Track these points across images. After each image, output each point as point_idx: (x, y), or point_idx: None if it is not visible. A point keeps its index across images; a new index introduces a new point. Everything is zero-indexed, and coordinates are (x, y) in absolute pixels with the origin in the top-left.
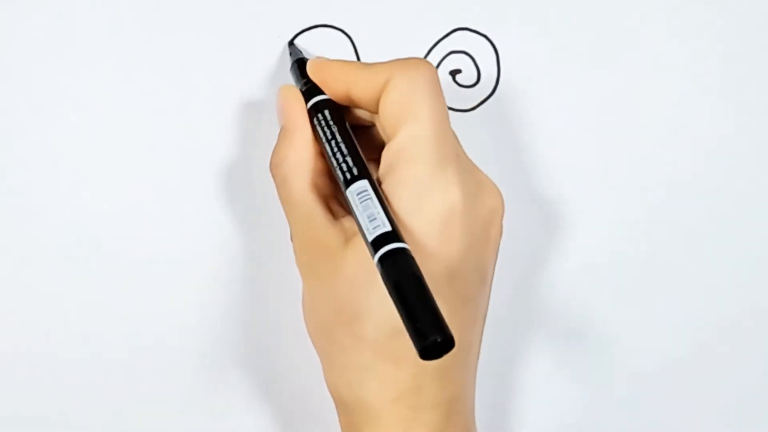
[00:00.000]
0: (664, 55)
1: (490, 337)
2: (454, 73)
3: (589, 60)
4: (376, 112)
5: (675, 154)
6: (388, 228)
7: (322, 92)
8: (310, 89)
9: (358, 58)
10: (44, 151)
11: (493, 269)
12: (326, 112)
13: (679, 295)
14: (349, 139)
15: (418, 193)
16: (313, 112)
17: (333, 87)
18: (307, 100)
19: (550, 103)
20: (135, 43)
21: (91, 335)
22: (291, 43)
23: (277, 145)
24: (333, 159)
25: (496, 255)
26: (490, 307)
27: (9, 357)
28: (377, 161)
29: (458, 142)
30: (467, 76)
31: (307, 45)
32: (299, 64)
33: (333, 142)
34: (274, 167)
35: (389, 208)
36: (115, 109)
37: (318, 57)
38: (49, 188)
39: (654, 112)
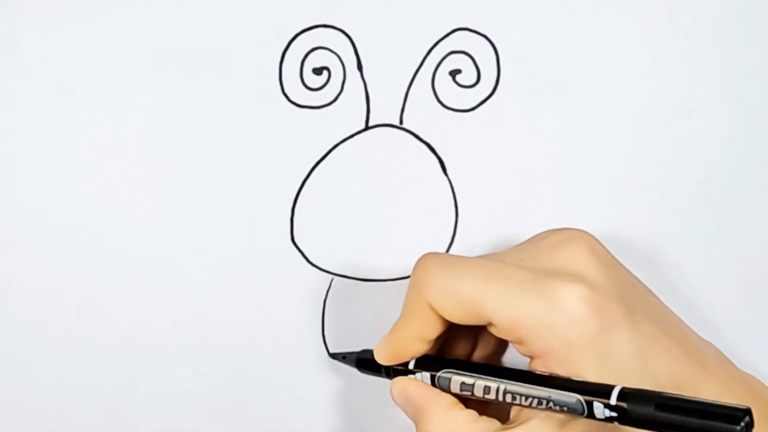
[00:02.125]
0: (664, 54)
1: None
2: (454, 73)
3: (589, 60)
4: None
5: (675, 154)
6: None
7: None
8: (398, 369)
9: (359, 58)
10: (44, 151)
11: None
12: (442, 372)
13: (680, 295)
14: (479, 367)
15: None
16: (431, 378)
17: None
18: (407, 372)
19: (550, 103)
20: (134, 42)
21: (90, 335)
22: (333, 356)
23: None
24: (487, 395)
25: None
26: None
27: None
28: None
29: (633, 279)
30: (467, 76)
31: (307, 45)
32: (363, 362)
33: (473, 385)
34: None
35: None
36: (114, 109)
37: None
38: (49, 188)
39: (654, 112)
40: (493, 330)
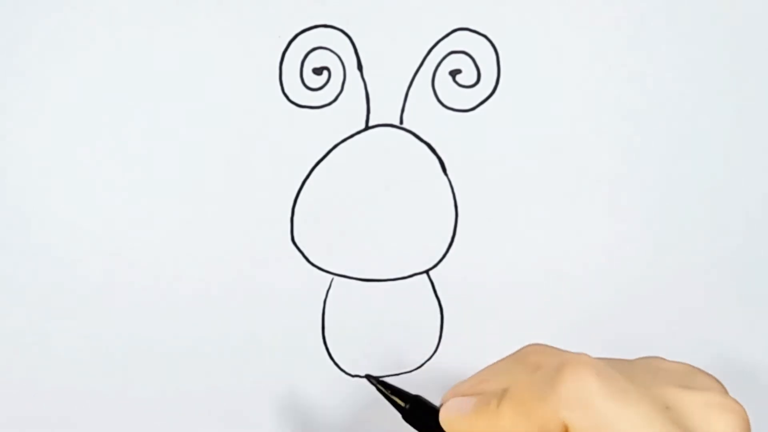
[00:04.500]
0: (664, 54)
1: (495, 340)
2: (454, 73)
3: (589, 60)
4: None
5: (675, 154)
6: None
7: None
8: None
9: (359, 58)
10: (43, 152)
11: None
12: None
13: (680, 295)
14: None
15: None
16: None
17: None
18: None
19: (550, 103)
20: (134, 42)
21: (91, 336)
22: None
23: None
24: None
25: None
26: (493, 308)
27: (9, 357)
28: None
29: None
30: (467, 76)
31: (307, 45)
32: (422, 413)
33: None
34: None
35: None
36: (114, 109)
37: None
38: (49, 188)
39: (654, 112)
40: None
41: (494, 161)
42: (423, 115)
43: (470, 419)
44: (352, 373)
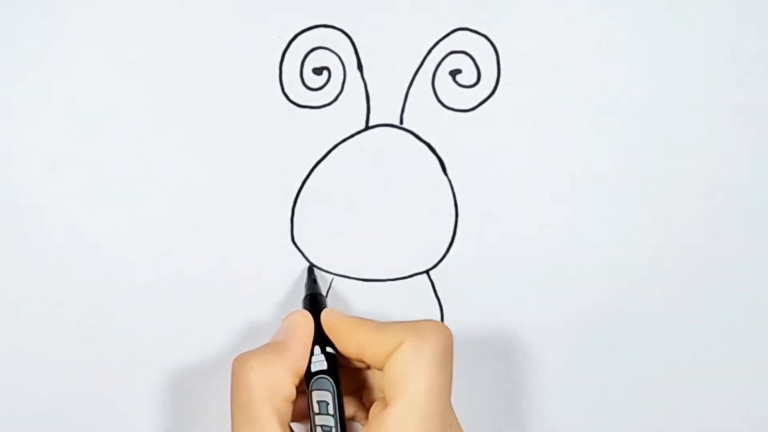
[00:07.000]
0: (664, 54)
1: (496, 340)
2: (454, 73)
3: (589, 60)
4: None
5: (675, 154)
6: None
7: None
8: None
9: (358, 58)
10: (43, 152)
11: None
12: (328, 378)
13: (680, 295)
14: (341, 413)
15: None
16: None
17: (344, 344)
18: (315, 343)
19: (550, 103)
20: (134, 42)
21: (90, 335)
22: (311, 270)
23: (261, 352)
24: (320, 429)
25: None
26: (493, 308)
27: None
28: (351, 397)
29: (452, 411)
30: (467, 76)
31: (307, 45)
32: (312, 299)
33: (325, 412)
34: (247, 368)
35: None
36: (114, 109)
37: (331, 310)
38: (49, 189)
39: (654, 112)
40: None
41: (494, 161)
42: (423, 115)
43: (343, 316)
44: None
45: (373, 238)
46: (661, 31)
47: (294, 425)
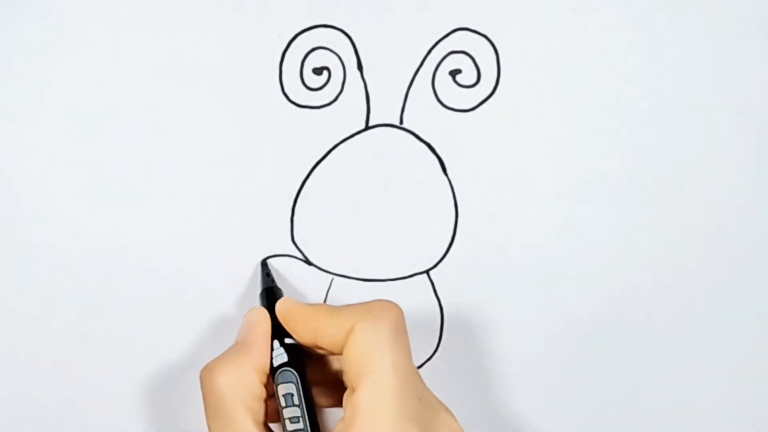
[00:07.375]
0: (664, 54)
1: (496, 340)
2: (454, 73)
3: (589, 60)
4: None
5: (675, 154)
6: None
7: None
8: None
9: (358, 58)
10: (43, 152)
11: None
12: (291, 369)
13: (680, 295)
14: (310, 403)
15: None
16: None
17: (299, 332)
18: (274, 337)
19: (550, 103)
20: (134, 43)
21: (90, 335)
22: (264, 263)
23: (224, 357)
24: (288, 422)
25: None
26: (493, 308)
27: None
28: (330, 387)
29: (421, 382)
30: (467, 76)
31: (307, 45)
32: (268, 293)
33: (291, 404)
34: (214, 375)
35: None
36: (114, 109)
37: (285, 299)
38: (49, 189)
39: (654, 112)
40: None
41: (494, 161)
42: (423, 115)
43: (298, 304)
44: None
45: (373, 238)
46: (661, 31)
47: (275, 426)
